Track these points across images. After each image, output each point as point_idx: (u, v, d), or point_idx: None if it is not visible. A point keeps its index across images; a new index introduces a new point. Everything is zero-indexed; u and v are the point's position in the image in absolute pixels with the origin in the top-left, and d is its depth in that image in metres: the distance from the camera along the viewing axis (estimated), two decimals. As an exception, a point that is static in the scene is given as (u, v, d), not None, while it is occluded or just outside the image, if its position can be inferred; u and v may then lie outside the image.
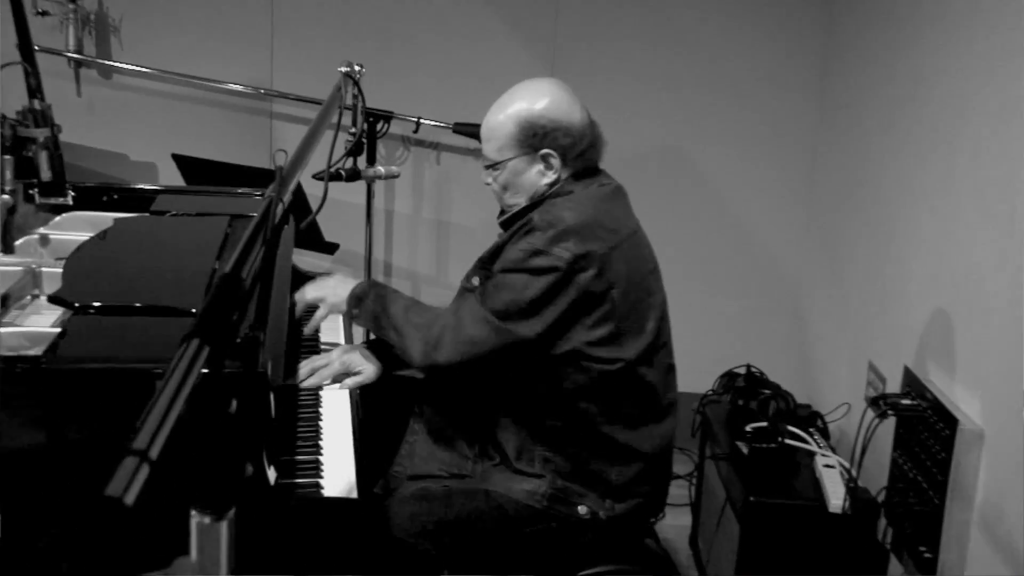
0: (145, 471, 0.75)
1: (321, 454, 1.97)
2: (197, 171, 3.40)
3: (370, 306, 2.14)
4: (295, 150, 1.68)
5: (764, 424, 2.85)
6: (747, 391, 3.07)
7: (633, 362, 2.00)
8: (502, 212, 2.15)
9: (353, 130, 2.20)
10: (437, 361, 1.97)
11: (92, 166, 3.82)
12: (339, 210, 3.76)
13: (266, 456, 1.63)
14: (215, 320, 0.97)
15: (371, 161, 3.64)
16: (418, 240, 3.96)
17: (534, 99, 2.03)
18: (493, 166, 2.08)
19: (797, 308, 3.87)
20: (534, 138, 2.02)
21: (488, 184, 2.12)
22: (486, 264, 2.07)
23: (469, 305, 1.97)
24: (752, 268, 3.90)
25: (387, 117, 3.60)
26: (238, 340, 1.08)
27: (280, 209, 1.33)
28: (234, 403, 0.92)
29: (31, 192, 2.65)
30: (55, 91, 3.70)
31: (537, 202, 2.07)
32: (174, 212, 2.59)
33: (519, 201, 2.09)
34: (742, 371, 3.23)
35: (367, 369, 2.21)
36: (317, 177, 2.16)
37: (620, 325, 1.98)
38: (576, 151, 2.04)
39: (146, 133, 3.85)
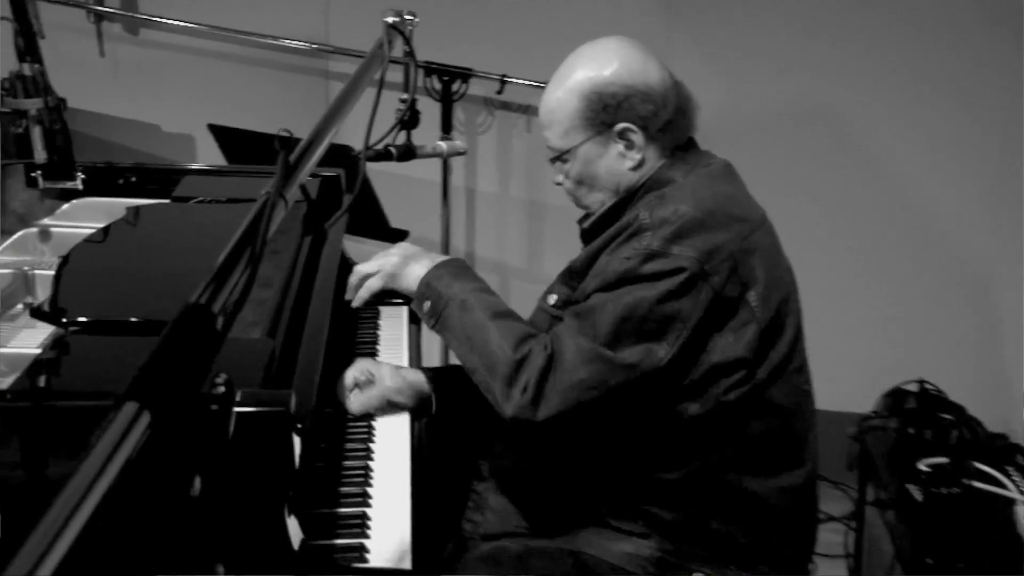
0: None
1: (370, 506, 1.85)
2: (238, 145, 3.34)
3: (454, 312, 1.94)
4: (315, 127, 1.53)
5: (944, 460, 2.64)
6: (920, 415, 2.89)
7: (763, 384, 1.90)
8: (585, 216, 2.05)
9: (405, 97, 2.04)
10: (536, 419, 1.81)
11: (119, 139, 3.81)
12: (409, 189, 3.70)
13: (288, 511, 1.50)
14: (165, 374, 0.81)
15: (446, 129, 3.55)
16: (506, 225, 3.87)
17: (599, 64, 1.94)
18: (560, 157, 1.99)
19: (985, 310, 3.64)
20: (605, 111, 1.93)
21: (560, 184, 2.03)
22: (573, 278, 1.98)
23: (567, 339, 1.83)
24: (927, 260, 3.66)
25: (464, 75, 3.48)
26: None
27: (282, 211, 1.18)
28: (197, 483, 0.77)
29: (33, 175, 2.58)
30: (73, 50, 3.71)
31: (628, 197, 1.98)
32: (199, 198, 2.51)
33: (601, 198, 2.01)
34: (913, 388, 3.05)
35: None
36: (357, 156, 2.02)
37: (763, 337, 1.88)
38: (660, 120, 1.95)
39: (180, 99, 3.81)
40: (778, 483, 1.96)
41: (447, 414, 2.14)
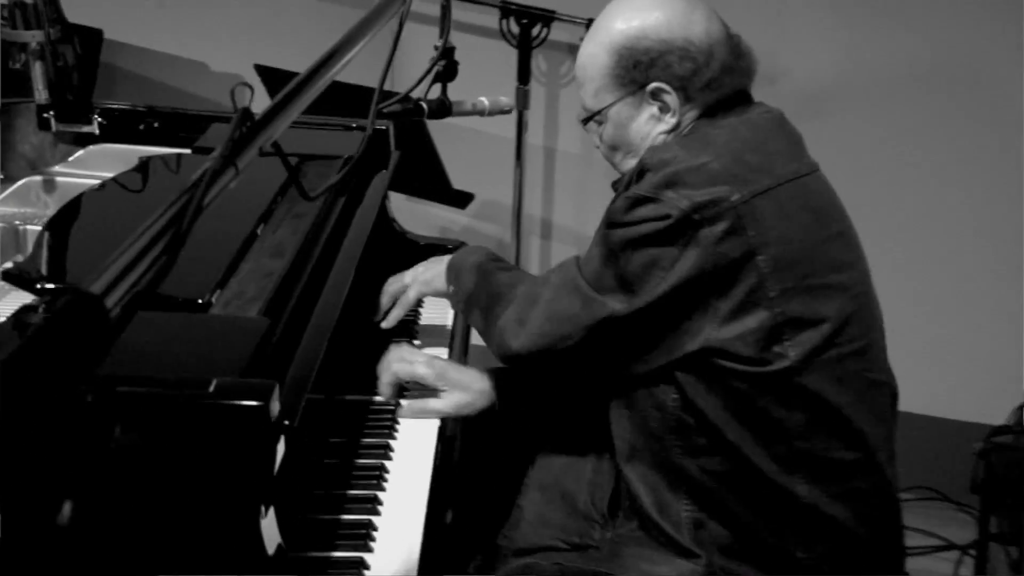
0: None
1: (378, 513, 1.81)
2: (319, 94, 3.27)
3: (467, 280, 2.10)
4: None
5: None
6: (1057, 435, 2.73)
7: (794, 369, 1.84)
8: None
9: (439, 44, 1.94)
10: (513, 346, 1.94)
11: (163, 77, 3.79)
12: (478, 145, 3.61)
13: (264, 513, 1.44)
14: (28, 372, 0.73)
15: (523, 79, 3.45)
16: (586, 190, 3.75)
17: (634, 14, 1.93)
18: (592, 118, 2.00)
19: None
20: (637, 69, 1.92)
21: (598, 147, 2.06)
22: None
23: (565, 269, 1.93)
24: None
25: (547, 18, 3.37)
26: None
27: (228, 180, 1.07)
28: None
29: (45, 116, 2.55)
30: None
31: None
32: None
33: (633, 163, 1.98)
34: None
35: (455, 398, 2.12)
36: (385, 109, 1.92)
37: (777, 311, 1.82)
38: (702, 79, 1.92)
39: (230, 33, 3.77)
40: (837, 489, 1.89)
41: (506, 416, 2.14)
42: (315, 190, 2.23)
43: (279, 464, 1.46)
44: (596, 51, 1.95)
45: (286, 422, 1.51)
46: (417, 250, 2.64)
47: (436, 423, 2.06)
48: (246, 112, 1.20)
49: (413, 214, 3.68)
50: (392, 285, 2.23)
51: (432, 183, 3.25)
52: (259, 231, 2.01)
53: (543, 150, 3.76)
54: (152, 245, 0.87)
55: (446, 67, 1.98)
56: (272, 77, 3.33)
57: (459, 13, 3.62)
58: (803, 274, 1.84)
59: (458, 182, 3.32)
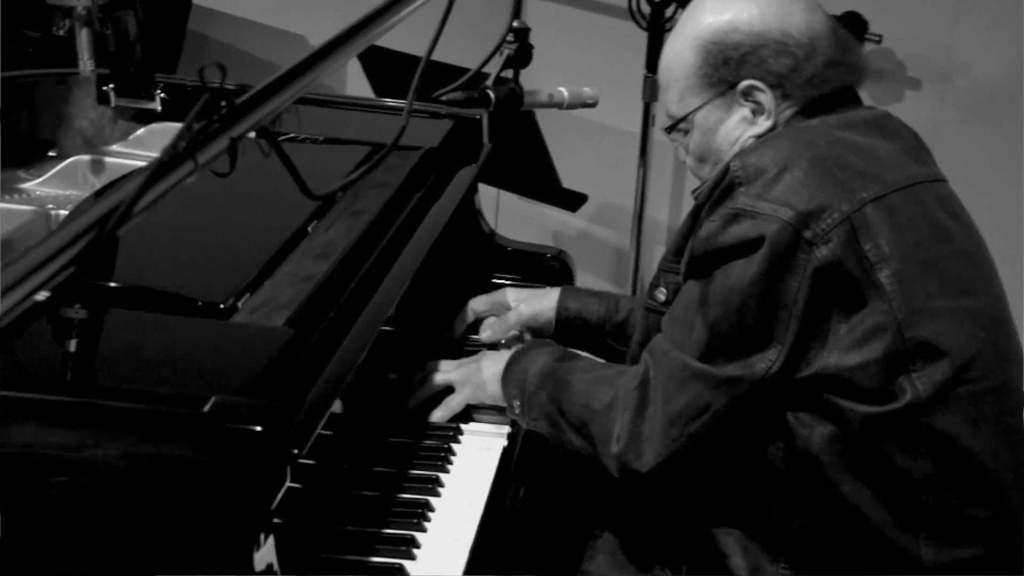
0: None
1: (413, 557, 1.80)
2: (389, 71, 3.30)
3: (537, 394, 2.02)
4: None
5: None
6: None
7: (922, 406, 1.80)
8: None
9: (517, 24, 1.92)
10: (641, 470, 1.86)
11: (258, 51, 3.85)
12: (597, 140, 3.58)
13: (263, 542, 1.45)
14: None
15: (651, 67, 3.42)
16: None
17: (722, 6, 1.92)
18: (676, 126, 1.99)
19: None
20: (727, 66, 1.91)
21: (684, 161, 2.07)
22: (672, 260, 1.97)
23: (661, 359, 1.85)
24: None
25: (683, -3, 3.31)
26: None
27: (182, 178, 1.07)
28: None
29: (105, 90, 2.61)
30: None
31: None
32: (290, 135, 2.47)
33: None
34: None
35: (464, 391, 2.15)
36: (444, 98, 1.91)
37: (906, 336, 1.80)
38: (803, 75, 1.90)
39: (331, 4, 3.79)
40: (968, 554, 1.85)
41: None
42: (383, 181, 2.28)
43: (281, 495, 1.47)
44: (681, 48, 1.95)
45: (294, 451, 1.52)
46: (505, 256, 2.63)
47: (496, 455, 2.05)
48: (217, 94, 1.19)
49: (524, 215, 3.68)
50: (435, 377, 2.15)
51: (539, 181, 3.24)
52: (310, 229, 2.01)
53: (672, 148, 3.71)
54: (63, 250, 0.86)
55: (518, 51, 1.95)
56: (371, 55, 3.36)
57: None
58: (928, 293, 1.82)
59: (573, 181, 3.31)
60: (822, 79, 1.91)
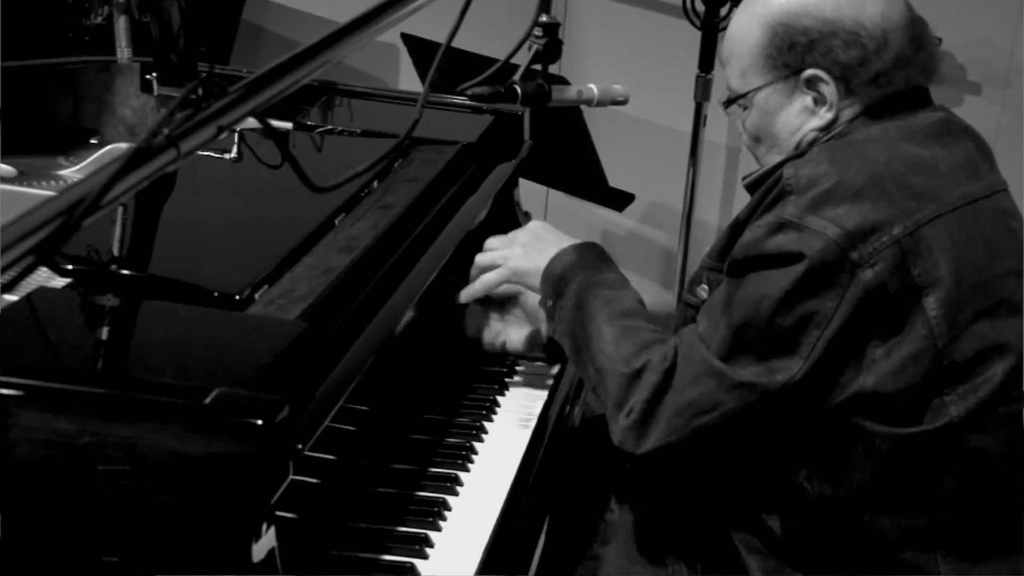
0: None
1: (426, 556, 1.77)
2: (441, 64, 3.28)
3: (568, 309, 1.99)
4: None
5: None
6: None
7: (954, 426, 1.78)
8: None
9: (546, 18, 1.88)
10: (637, 450, 1.84)
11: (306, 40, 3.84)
12: (648, 139, 3.55)
13: (264, 531, 1.45)
14: None
15: (705, 66, 3.41)
16: (775, 198, 3.65)
17: None
18: (735, 100, 1.95)
19: None
20: (792, 51, 1.85)
21: (741, 133, 2.03)
22: (717, 259, 1.93)
23: (687, 348, 1.82)
24: None
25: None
26: None
27: (163, 166, 1.04)
28: None
29: (148, 78, 2.62)
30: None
31: (798, 155, 1.90)
32: (327, 127, 2.48)
33: (777, 159, 1.93)
34: None
35: (509, 263, 2.10)
36: (469, 92, 1.89)
37: (945, 361, 1.77)
38: (870, 71, 1.84)
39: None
40: (979, 571, 1.83)
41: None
42: (416, 175, 2.26)
43: (287, 489, 1.46)
44: (748, 23, 1.89)
45: (298, 445, 1.50)
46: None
47: (516, 462, 2.01)
48: (208, 80, 1.17)
49: (573, 214, 3.66)
50: (485, 256, 2.12)
51: (585, 179, 3.21)
52: (337, 221, 2.00)
53: (724, 149, 3.70)
54: (25, 238, 0.84)
55: (547, 46, 1.91)
56: (419, 47, 3.36)
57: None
58: (974, 315, 1.79)
59: (622, 180, 3.28)
60: (889, 78, 1.86)
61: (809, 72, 1.85)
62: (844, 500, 1.81)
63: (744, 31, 1.89)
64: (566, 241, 2.04)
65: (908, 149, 1.83)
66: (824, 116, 1.87)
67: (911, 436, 1.77)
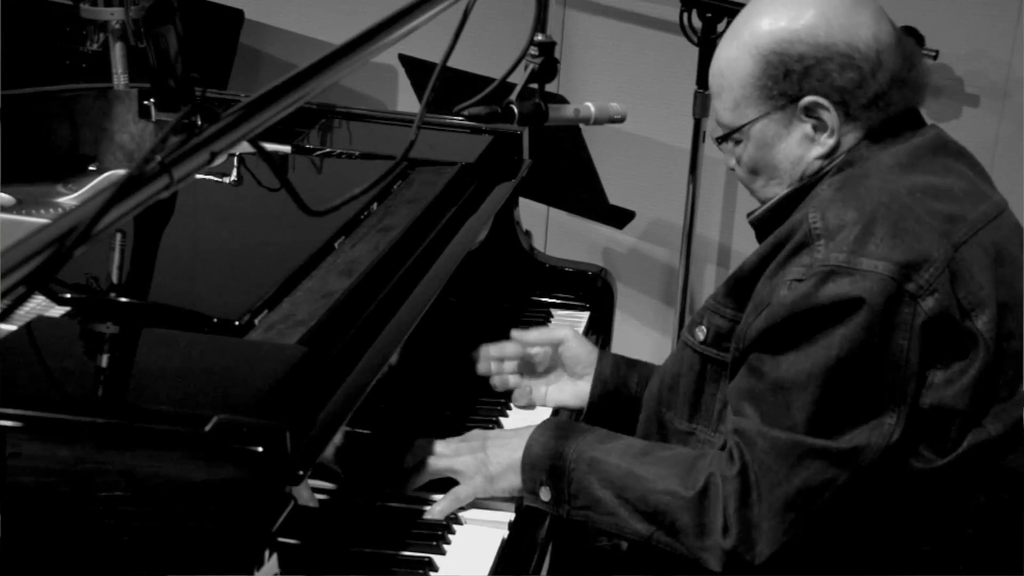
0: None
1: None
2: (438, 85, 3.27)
3: (579, 480, 1.83)
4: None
5: None
6: None
7: (994, 442, 1.77)
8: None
9: (541, 37, 1.87)
10: (757, 560, 1.71)
11: (304, 63, 3.83)
12: (647, 156, 3.53)
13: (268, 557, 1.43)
14: None
15: (703, 82, 3.35)
16: (777, 213, 3.64)
17: (783, 12, 1.82)
18: (729, 137, 1.89)
19: None
20: (788, 79, 1.81)
21: (733, 169, 1.96)
22: (722, 303, 1.89)
23: (757, 437, 1.72)
24: None
25: (733, 10, 3.23)
26: None
27: (155, 193, 1.03)
28: None
29: (146, 104, 2.61)
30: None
31: (809, 184, 1.86)
32: (325, 150, 2.46)
33: (777, 190, 1.90)
34: None
35: (474, 482, 1.89)
36: (466, 112, 1.88)
37: (993, 382, 1.76)
38: (867, 94, 1.81)
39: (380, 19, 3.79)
40: None
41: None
42: (415, 197, 2.25)
43: (285, 516, 1.45)
44: (738, 55, 1.84)
45: (299, 472, 1.49)
46: (543, 273, 2.59)
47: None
48: (200, 106, 1.16)
49: (574, 232, 3.65)
50: (435, 463, 1.88)
51: (585, 197, 3.20)
52: (337, 244, 1.99)
53: (724, 165, 3.65)
54: (16, 268, 0.83)
55: (543, 65, 1.89)
56: (418, 68, 3.34)
57: (636, 4, 3.57)
58: (1009, 332, 1.78)
59: (622, 198, 3.27)
60: (887, 100, 1.82)
61: (808, 99, 1.80)
62: (876, 521, 1.78)
63: (734, 63, 1.84)
64: (516, 431, 1.93)
65: (920, 177, 1.80)
66: (826, 143, 1.83)
67: (952, 458, 1.74)
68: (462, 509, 1.87)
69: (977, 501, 1.78)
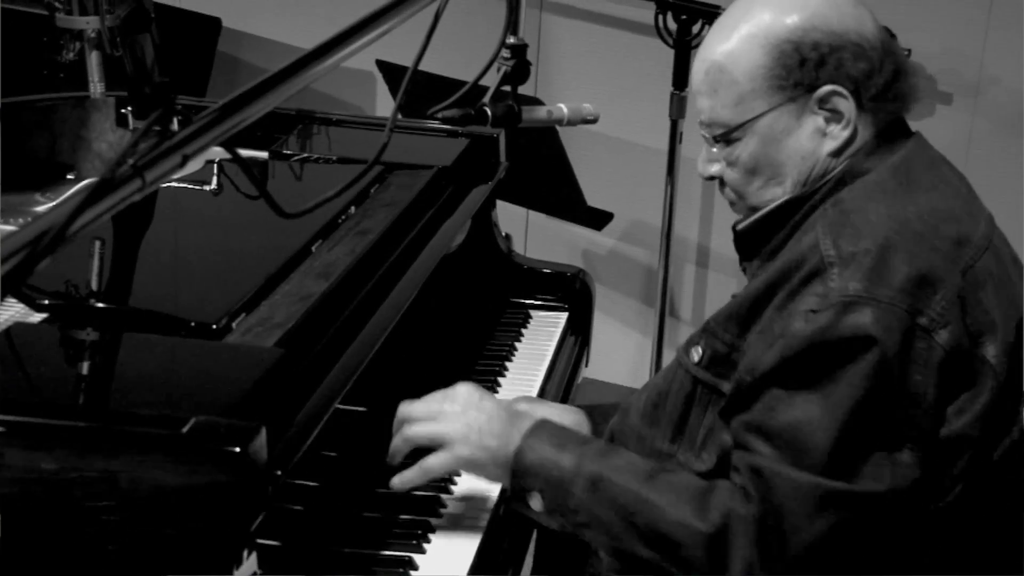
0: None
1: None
2: (412, 88, 3.28)
3: (579, 495, 1.75)
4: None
5: None
6: None
7: (996, 465, 1.75)
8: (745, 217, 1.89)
9: (513, 40, 1.88)
10: None
11: (287, 73, 3.85)
12: (624, 158, 3.55)
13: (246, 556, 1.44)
14: None
15: (679, 84, 3.37)
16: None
17: (787, 3, 1.76)
18: (727, 137, 1.78)
19: None
20: (803, 68, 1.74)
21: (712, 177, 1.85)
22: (722, 327, 1.80)
23: (775, 477, 1.65)
24: None
25: (710, 13, 3.28)
26: None
27: (129, 195, 1.04)
28: None
29: (123, 112, 2.61)
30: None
31: (802, 196, 1.79)
32: (303, 156, 2.47)
33: (776, 192, 1.81)
34: None
35: (456, 451, 1.81)
36: (440, 115, 1.89)
37: (1000, 408, 1.72)
38: (877, 84, 1.76)
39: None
40: None
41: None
42: (393, 200, 2.25)
43: (264, 516, 1.45)
44: (741, 48, 1.75)
45: (277, 472, 1.50)
46: (521, 275, 2.60)
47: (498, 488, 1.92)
48: (169, 111, 1.17)
49: (553, 234, 3.66)
50: (412, 428, 1.81)
51: (563, 199, 3.21)
52: (314, 248, 2.00)
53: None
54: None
55: (515, 67, 1.90)
56: (393, 73, 3.36)
57: (611, 7, 3.58)
58: (1018, 355, 1.74)
59: (600, 199, 3.28)
60: (892, 93, 1.77)
61: (826, 88, 1.74)
62: (895, 552, 1.73)
63: (737, 56, 1.76)
64: (512, 416, 1.83)
65: (923, 197, 1.75)
66: (840, 136, 1.76)
67: (961, 489, 1.71)
68: (441, 506, 1.87)
69: (980, 519, 1.76)
